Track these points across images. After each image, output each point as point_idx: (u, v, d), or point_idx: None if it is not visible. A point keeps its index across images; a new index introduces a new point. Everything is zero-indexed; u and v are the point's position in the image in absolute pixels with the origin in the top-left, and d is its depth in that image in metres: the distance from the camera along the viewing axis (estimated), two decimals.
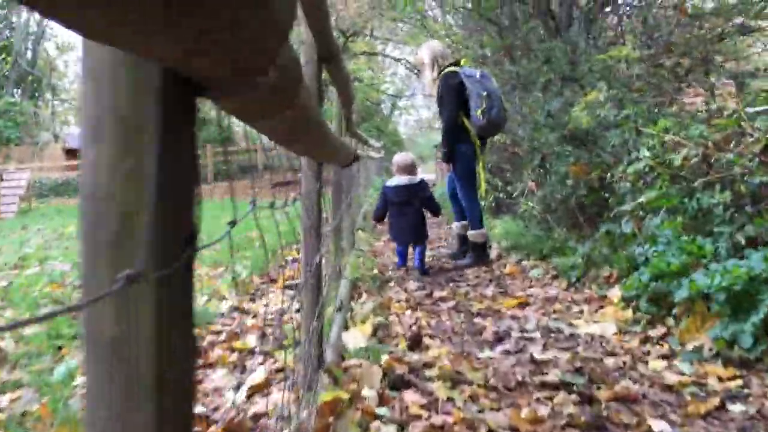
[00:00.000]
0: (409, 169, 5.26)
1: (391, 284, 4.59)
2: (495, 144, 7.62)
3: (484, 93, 4.96)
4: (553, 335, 3.08)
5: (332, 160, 2.98)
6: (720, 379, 2.25)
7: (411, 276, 4.97)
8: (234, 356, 2.86)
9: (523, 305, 3.77)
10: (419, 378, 2.42)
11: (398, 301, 3.90)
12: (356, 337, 2.82)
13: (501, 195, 7.68)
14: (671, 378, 2.30)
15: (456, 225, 5.60)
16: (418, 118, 35.37)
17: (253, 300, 4.16)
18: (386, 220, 5.30)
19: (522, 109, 6.98)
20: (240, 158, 25.27)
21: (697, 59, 5.64)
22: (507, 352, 2.82)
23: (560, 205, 5.05)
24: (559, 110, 5.29)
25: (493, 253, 5.55)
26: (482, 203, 5.68)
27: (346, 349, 2.72)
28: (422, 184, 5.18)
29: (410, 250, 5.27)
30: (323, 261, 2.46)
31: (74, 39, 35.21)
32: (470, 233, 5.38)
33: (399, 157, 5.40)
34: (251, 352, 2.93)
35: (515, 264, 5.07)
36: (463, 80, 5.06)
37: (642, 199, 3.55)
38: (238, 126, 29.25)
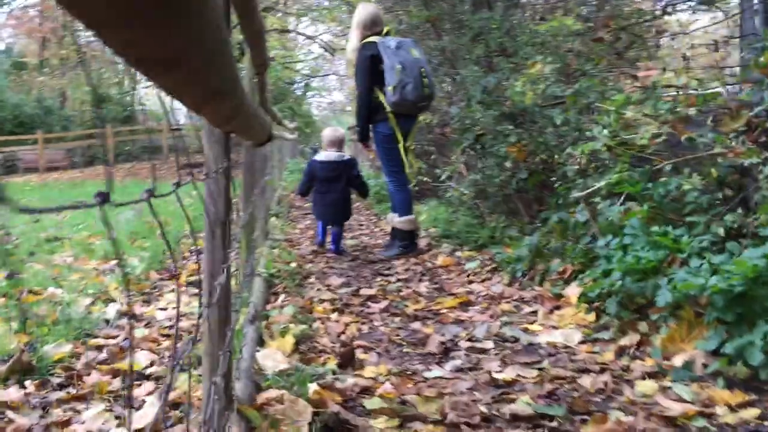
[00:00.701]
0: (339, 143, 5.13)
1: (312, 279, 4.03)
2: (418, 124, 7.15)
3: (398, 66, 4.49)
4: (509, 345, 2.60)
5: (248, 133, 2.39)
6: (731, 408, 1.82)
7: (333, 269, 4.42)
8: (116, 383, 2.23)
9: (465, 305, 3.28)
10: (358, 413, 1.87)
11: (322, 302, 3.34)
12: (275, 357, 2.24)
13: (425, 179, 7.21)
14: (671, 406, 1.85)
15: (390, 215, 5.06)
16: (331, 100, 34.65)
17: (147, 302, 3.49)
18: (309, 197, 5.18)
19: (451, 87, 6.52)
20: (141, 138, 23.87)
21: (634, 35, 5.33)
22: (459, 370, 2.32)
23: (498, 190, 4.61)
24: (495, 86, 4.84)
25: (423, 242, 5.06)
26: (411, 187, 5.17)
27: (262, 372, 2.14)
28: (352, 161, 5.08)
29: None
30: (231, 262, 1.91)
31: None
32: (396, 220, 4.89)
33: (329, 131, 5.23)
34: (141, 376, 2.31)
35: (449, 255, 4.59)
36: (380, 52, 4.57)
37: (600, 183, 3.12)
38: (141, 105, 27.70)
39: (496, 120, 4.61)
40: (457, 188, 5.62)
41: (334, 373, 2.19)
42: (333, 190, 4.91)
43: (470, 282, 3.80)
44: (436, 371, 2.30)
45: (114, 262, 4.75)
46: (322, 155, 5.07)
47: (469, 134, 5.10)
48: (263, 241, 5.09)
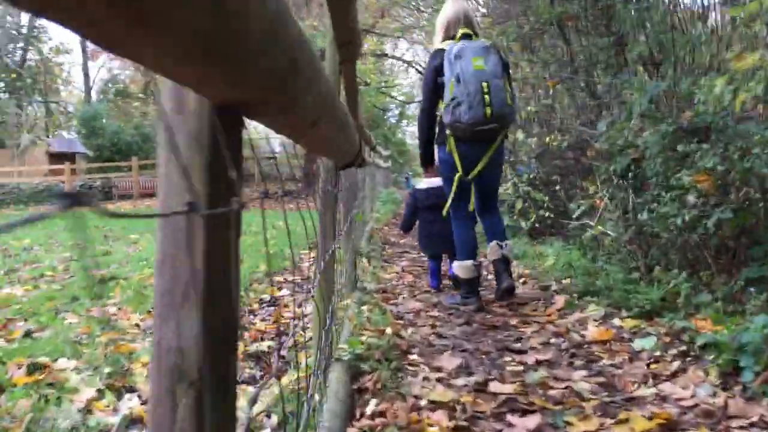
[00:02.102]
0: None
1: (414, 356, 2.86)
2: (537, 149, 5.92)
3: (452, 79, 3.64)
4: None
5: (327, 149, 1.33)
6: None
7: (442, 337, 3.24)
8: None
9: (669, 430, 2.02)
10: None
11: (434, 409, 2.15)
12: None
13: (546, 214, 5.94)
14: None
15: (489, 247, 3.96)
16: None
17: None
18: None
19: (587, 99, 5.26)
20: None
21: None
22: None
23: (676, 234, 3.31)
24: (665, 94, 3.58)
25: (559, 300, 3.80)
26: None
27: None
28: None
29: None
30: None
31: (71, 41, 33.68)
32: (454, 264, 4.01)
33: None
34: None
35: (602, 322, 3.32)
36: (443, 61, 3.76)
37: None
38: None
39: (669, 138, 3.33)
40: (598, 228, 4.33)
41: None
42: (440, 218, 4.28)
43: (654, 376, 2.52)
44: None
45: None
46: (424, 183, 4.65)
47: (621, 158, 3.84)
48: (351, 290, 3.98)
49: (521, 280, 4.70)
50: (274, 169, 23.68)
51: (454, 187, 3.83)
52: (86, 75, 32.23)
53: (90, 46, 25.37)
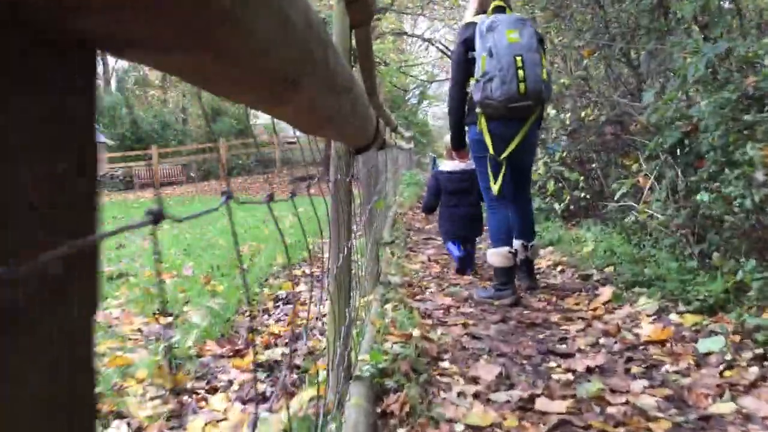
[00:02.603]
0: (467, 151, 4.06)
1: (446, 363, 2.51)
2: (571, 125, 5.50)
3: (483, 53, 3.39)
4: None
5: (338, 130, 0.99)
6: None
7: (476, 338, 2.88)
8: None
9: None
10: None
11: None
12: None
13: (583, 195, 5.53)
14: None
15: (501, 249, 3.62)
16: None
17: (175, 416, 2.08)
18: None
19: (626, 69, 4.83)
20: (254, 151, 23.33)
21: None
22: None
23: (743, 218, 2.91)
24: (720, 59, 3.16)
25: (605, 293, 3.41)
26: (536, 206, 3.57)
27: None
28: None
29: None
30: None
31: None
32: (489, 251, 3.66)
33: None
34: None
35: (657, 318, 2.94)
36: (474, 35, 3.49)
37: None
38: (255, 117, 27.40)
39: (731, 107, 2.92)
40: (644, 210, 3.92)
41: None
42: (464, 203, 4.37)
43: (730, 386, 2.14)
44: None
45: (169, 318, 3.43)
46: (449, 165, 4.49)
47: (670, 131, 3.44)
48: (373, 285, 3.64)
49: (558, 269, 4.32)
50: (294, 155, 23.39)
51: (488, 166, 3.55)
52: (105, 64, 32.08)
53: None
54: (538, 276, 4.05)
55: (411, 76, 20.16)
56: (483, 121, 3.48)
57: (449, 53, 17.98)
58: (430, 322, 3.16)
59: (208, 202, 14.57)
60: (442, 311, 3.40)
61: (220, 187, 19.59)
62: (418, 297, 3.69)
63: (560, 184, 5.78)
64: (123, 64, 34.35)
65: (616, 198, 4.36)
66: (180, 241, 7.18)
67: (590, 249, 4.46)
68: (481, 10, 3.62)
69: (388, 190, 7.72)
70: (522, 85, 3.31)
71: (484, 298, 3.60)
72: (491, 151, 3.49)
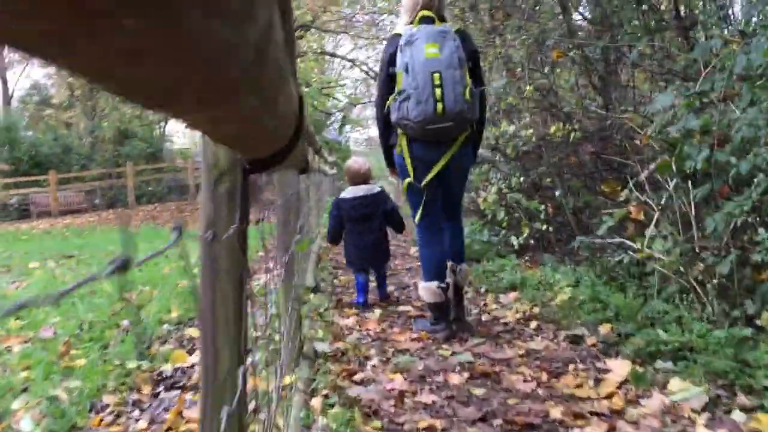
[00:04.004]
0: (366, 176, 4.36)
1: None
2: (529, 144, 4.66)
3: (401, 69, 3.12)
4: None
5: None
6: None
7: (427, 408, 1.88)
8: None
9: None
10: None
11: None
12: None
13: (545, 227, 4.66)
14: None
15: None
16: (368, 136, 32.22)
17: None
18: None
19: (605, 74, 4.00)
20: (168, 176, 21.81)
21: None
22: None
23: None
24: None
25: (619, 369, 2.48)
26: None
27: None
28: (383, 194, 4.32)
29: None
30: None
31: None
32: (420, 285, 3.45)
33: (354, 163, 4.47)
34: None
35: (710, 417, 2.01)
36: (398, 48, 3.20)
37: None
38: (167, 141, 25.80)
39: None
40: (644, 251, 3.05)
41: None
42: (369, 229, 4.17)
43: None
44: None
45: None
46: (349, 191, 4.32)
47: (690, 147, 2.58)
48: (295, 362, 2.59)
49: (533, 325, 3.38)
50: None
51: (411, 196, 3.33)
52: (4, 82, 29.78)
53: (6, 50, 23.15)
54: (507, 333, 3.17)
55: (334, 98, 19.24)
56: (404, 142, 3.20)
57: (373, 75, 17.19)
58: (378, 425, 2.13)
59: (109, 234, 13.08)
60: (392, 402, 2.38)
61: (125, 216, 17.97)
62: (356, 376, 2.66)
63: (515, 215, 4.90)
64: (24, 83, 32.05)
65: (599, 232, 3.48)
66: (56, 284, 5.88)
67: (567, 297, 3.56)
68: (410, 20, 3.27)
69: (311, 222, 6.68)
70: (440, 105, 3.00)
71: (421, 329, 3.38)
72: (411, 176, 3.22)
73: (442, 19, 3.30)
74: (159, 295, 4.68)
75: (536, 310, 3.61)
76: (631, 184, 3.35)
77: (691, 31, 3.57)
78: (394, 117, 3.15)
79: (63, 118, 25.27)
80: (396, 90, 3.10)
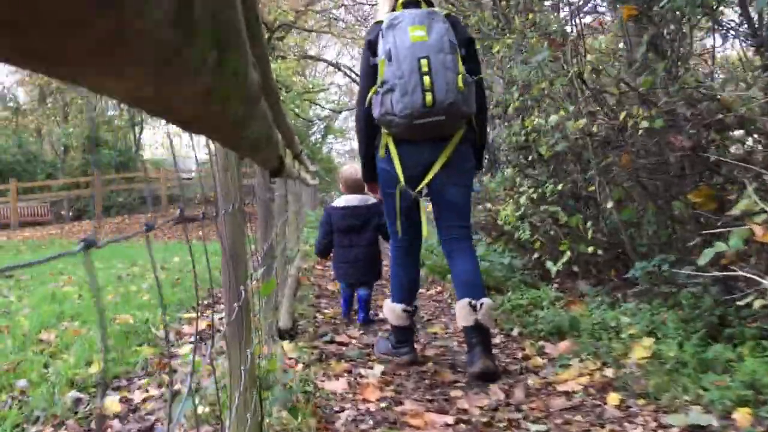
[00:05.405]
0: (361, 186, 3.74)
1: None
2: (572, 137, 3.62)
3: (381, 57, 2.68)
4: None
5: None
6: None
7: None
8: None
9: None
10: None
11: None
12: None
13: (592, 250, 3.61)
14: None
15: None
16: (350, 147, 31.12)
17: None
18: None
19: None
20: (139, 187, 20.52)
21: None
22: None
23: None
24: None
25: None
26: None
27: None
28: (378, 207, 3.87)
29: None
30: None
31: None
32: (386, 305, 2.99)
33: (349, 170, 4.17)
34: None
35: None
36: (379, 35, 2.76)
37: None
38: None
39: None
40: None
41: None
42: (359, 242, 3.87)
43: None
44: None
45: None
46: (341, 200, 4.04)
47: None
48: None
49: (611, 400, 2.28)
50: (188, 191, 20.74)
51: (396, 205, 2.83)
52: None
53: None
54: (575, 413, 2.11)
55: (316, 104, 18.15)
56: (390, 143, 2.79)
57: (357, 79, 16.19)
58: None
59: (68, 246, 11.83)
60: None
61: (91, 229, 16.71)
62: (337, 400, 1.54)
63: (551, 232, 3.83)
64: None
65: (701, 262, 2.42)
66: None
67: (649, 352, 2.48)
68: (392, 6, 2.92)
69: (288, 236, 5.57)
70: (429, 96, 2.62)
71: (382, 353, 3.00)
72: (401, 181, 2.78)
73: (429, 4, 2.92)
74: (85, 335, 3.54)
75: (608, 372, 2.52)
76: (750, 189, 2.31)
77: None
78: (376, 113, 2.73)
79: (27, 122, 23.86)
80: (378, 81, 2.68)
